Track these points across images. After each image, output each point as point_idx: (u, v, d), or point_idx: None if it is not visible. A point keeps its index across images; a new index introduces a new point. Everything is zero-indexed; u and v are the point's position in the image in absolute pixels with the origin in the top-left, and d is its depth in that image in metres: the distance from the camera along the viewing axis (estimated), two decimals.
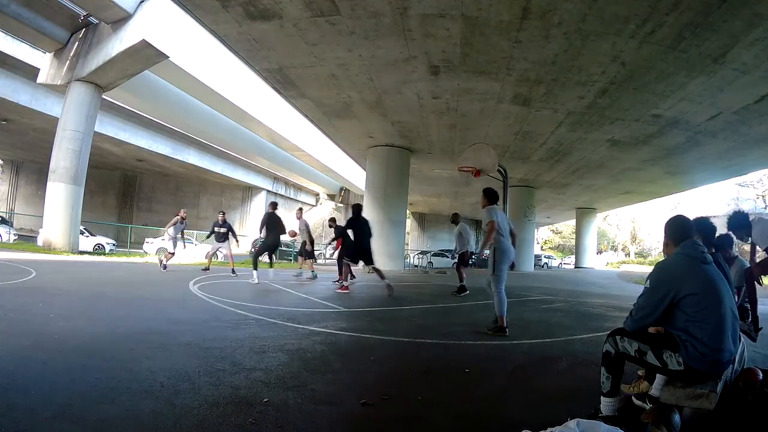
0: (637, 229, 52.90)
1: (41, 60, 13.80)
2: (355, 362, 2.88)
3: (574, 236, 32.03)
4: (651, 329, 1.90)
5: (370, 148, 14.44)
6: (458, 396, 2.31)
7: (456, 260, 7.95)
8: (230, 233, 9.24)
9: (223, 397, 2.03)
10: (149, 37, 11.42)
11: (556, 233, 56.48)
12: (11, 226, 18.34)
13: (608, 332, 1.97)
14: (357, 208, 7.29)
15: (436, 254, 25.73)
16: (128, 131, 20.53)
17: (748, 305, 3.42)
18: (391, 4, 6.50)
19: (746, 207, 26.83)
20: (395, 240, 14.23)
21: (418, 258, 22.18)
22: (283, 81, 9.71)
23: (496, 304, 4.01)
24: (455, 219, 8.00)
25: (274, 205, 7.98)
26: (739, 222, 3.61)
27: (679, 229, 1.96)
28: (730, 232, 3.65)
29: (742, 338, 2.11)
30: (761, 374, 2.02)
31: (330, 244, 10.07)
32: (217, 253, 10.26)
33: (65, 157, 12.38)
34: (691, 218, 2.40)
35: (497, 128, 11.61)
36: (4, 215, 21.74)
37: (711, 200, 58.92)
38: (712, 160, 13.00)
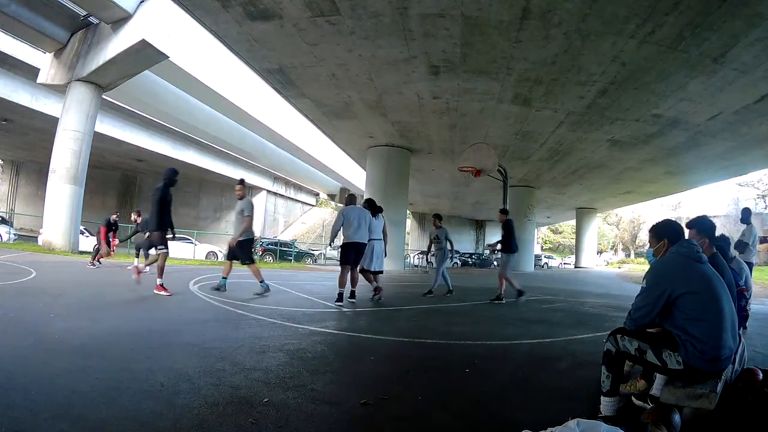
0: (637, 229, 52.86)
1: (41, 60, 13.79)
2: (355, 362, 2.88)
3: (574, 236, 32.03)
4: (651, 330, 1.91)
5: (370, 148, 14.45)
6: (458, 396, 2.31)
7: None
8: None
9: (223, 397, 2.03)
10: (149, 37, 11.42)
11: (556, 233, 56.47)
12: (11, 226, 18.36)
13: (609, 332, 1.98)
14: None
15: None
16: (128, 131, 20.53)
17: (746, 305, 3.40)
18: (391, 4, 6.50)
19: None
20: (395, 240, 14.23)
21: (418, 258, 22.15)
22: (283, 81, 9.71)
23: None
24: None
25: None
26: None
27: (671, 230, 2.01)
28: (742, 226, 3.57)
29: (742, 338, 2.11)
30: (761, 374, 2.02)
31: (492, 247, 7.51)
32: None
33: (65, 157, 12.37)
34: (691, 218, 2.43)
35: (497, 128, 11.62)
36: (4, 215, 21.77)
37: (711, 200, 59.02)
38: (712, 160, 13.00)
